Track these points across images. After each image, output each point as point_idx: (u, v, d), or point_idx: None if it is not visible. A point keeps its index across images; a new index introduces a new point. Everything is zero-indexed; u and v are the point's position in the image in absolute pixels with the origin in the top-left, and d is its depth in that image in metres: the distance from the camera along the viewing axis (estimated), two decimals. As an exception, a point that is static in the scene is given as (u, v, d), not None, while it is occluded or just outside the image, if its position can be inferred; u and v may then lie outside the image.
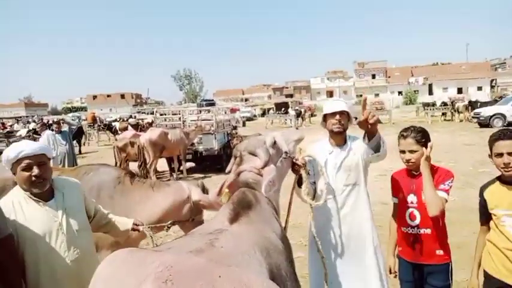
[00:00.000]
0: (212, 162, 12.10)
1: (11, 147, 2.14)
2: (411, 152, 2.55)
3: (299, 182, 2.48)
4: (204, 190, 3.27)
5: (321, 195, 2.52)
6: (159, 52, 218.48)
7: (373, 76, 66.38)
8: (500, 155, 2.27)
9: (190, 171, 11.67)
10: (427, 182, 2.38)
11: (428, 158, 2.44)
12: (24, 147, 2.09)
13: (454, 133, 18.48)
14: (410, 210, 2.61)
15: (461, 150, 12.97)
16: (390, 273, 2.78)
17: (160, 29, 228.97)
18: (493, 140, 2.34)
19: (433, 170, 2.50)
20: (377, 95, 59.37)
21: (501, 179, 2.36)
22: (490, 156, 2.37)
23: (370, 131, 2.46)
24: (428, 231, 2.53)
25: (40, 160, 2.11)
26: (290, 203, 2.48)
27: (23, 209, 2.09)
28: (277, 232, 1.63)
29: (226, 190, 2.08)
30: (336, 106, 2.68)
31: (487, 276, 2.40)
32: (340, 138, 2.74)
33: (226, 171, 2.25)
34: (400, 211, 2.69)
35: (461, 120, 24.78)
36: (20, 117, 41.31)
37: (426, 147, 2.48)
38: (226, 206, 1.68)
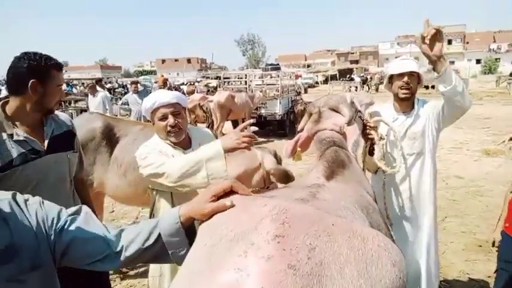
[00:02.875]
0: (275, 127, 12.19)
1: (148, 97, 2.20)
2: None
3: (369, 150, 2.24)
4: (277, 158, 3.25)
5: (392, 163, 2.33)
6: (223, 16, 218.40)
7: (449, 42, 60.88)
8: None
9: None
10: None
11: None
12: (158, 97, 2.12)
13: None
14: None
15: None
16: (493, 246, 2.69)
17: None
18: None
19: None
20: (452, 62, 54.70)
21: None
22: None
23: (434, 57, 2.06)
24: None
25: (175, 109, 2.14)
26: (363, 171, 2.23)
27: (168, 154, 2.13)
28: (370, 193, 1.59)
29: (299, 149, 1.98)
30: (404, 66, 2.40)
31: None
32: (406, 104, 2.49)
33: (299, 129, 2.08)
34: None
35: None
36: (97, 78, 44.13)
37: None
38: (320, 163, 1.61)
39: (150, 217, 2.30)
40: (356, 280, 0.87)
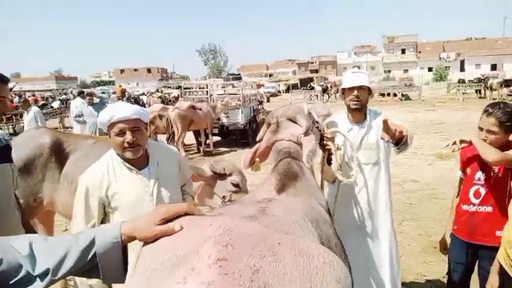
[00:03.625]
0: (238, 137, 12.18)
1: (106, 109, 2.01)
2: (490, 132, 2.28)
3: (327, 160, 2.27)
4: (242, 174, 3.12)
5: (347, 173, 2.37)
6: (184, 26, 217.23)
7: (403, 51, 63.96)
8: (481, 129, 2.30)
9: (216, 145, 11.79)
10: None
11: None
12: (117, 111, 1.93)
13: (487, 111, 17.73)
14: (475, 187, 2.44)
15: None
16: (444, 251, 2.72)
17: (185, 4, 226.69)
18: (483, 111, 2.33)
19: None
20: (406, 70, 57.46)
21: None
22: None
23: (399, 139, 2.22)
24: (490, 209, 2.38)
25: (135, 125, 1.96)
26: (322, 184, 2.32)
27: (117, 177, 2.02)
28: (323, 204, 1.59)
29: (257, 159, 1.98)
30: (354, 80, 2.48)
31: None
32: (359, 114, 2.56)
33: (258, 139, 2.07)
34: (464, 188, 2.52)
35: (494, 99, 23.72)
36: (51, 90, 42.39)
37: (510, 133, 2.25)
38: (272, 176, 1.61)
39: None
40: None
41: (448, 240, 2.67)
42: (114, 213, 2.03)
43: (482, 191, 2.41)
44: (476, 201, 2.43)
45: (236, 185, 2.93)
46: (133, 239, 1.06)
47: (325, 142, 2.17)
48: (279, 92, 42.60)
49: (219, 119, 11.31)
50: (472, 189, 2.45)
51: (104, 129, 2.05)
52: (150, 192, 2.04)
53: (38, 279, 0.94)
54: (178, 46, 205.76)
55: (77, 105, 9.47)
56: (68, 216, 3.43)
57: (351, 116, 2.59)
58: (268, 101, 29.65)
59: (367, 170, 2.55)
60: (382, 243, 2.56)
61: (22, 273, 0.93)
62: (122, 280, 1.04)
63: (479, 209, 2.42)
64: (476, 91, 25.95)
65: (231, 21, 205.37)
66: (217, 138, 12.45)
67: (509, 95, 20.86)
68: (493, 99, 23.44)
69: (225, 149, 11.38)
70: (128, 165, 2.04)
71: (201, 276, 0.83)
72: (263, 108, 14.17)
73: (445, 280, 3.59)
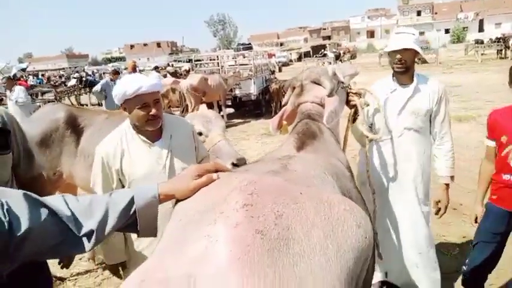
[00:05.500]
0: (251, 108, 12.14)
1: (127, 82, 1.91)
2: None
3: (354, 119, 2.28)
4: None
5: (379, 132, 2.39)
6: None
7: (419, 13, 61.74)
8: None
9: (230, 117, 11.80)
10: None
11: None
12: (142, 82, 1.87)
13: (508, 72, 17.17)
14: None
15: (515, 90, 12.13)
16: (476, 222, 2.57)
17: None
18: None
19: None
20: (422, 33, 55.54)
21: None
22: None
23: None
24: None
25: (156, 97, 1.94)
26: (345, 138, 2.34)
27: (130, 149, 2.01)
28: (342, 161, 1.63)
29: (285, 122, 2.01)
30: (397, 43, 2.41)
31: None
32: (405, 77, 2.50)
33: (283, 103, 2.12)
34: (502, 157, 2.32)
35: (515, 58, 22.88)
36: (64, 68, 42.67)
37: None
38: (291, 136, 1.66)
39: None
40: (323, 241, 0.91)
41: (479, 211, 2.53)
42: (127, 186, 2.04)
43: None
44: None
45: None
46: (170, 197, 1.11)
47: (350, 98, 2.16)
48: (290, 61, 41.93)
49: (231, 90, 11.25)
50: None
51: (119, 101, 1.97)
52: (163, 165, 2.03)
53: (84, 239, 0.97)
54: (187, 18, 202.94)
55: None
56: (86, 189, 3.53)
57: (397, 78, 2.54)
58: (280, 70, 29.29)
59: (407, 135, 2.52)
60: (416, 206, 2.59)
61: (68, 235, 0.95)
62: (155, 234, 1.10)
63: None
64: (497, 51, 24.98)
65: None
66: (230, 110, 12.44)
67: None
68: (514, 59, 22.66)
69: (239, 120, 11.38)
70: (142, 137, 2.03)
71: (229, 218, 0.90)
72: (275, 78, 14.00)
73: (463, 239, 3.62)
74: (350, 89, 2.17)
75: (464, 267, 2.62)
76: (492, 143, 2.39)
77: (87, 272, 3.55)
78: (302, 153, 1.49)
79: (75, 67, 39.23)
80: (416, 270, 2.63)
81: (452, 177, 2.59)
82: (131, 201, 1.04)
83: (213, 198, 1.01)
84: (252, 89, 11.27)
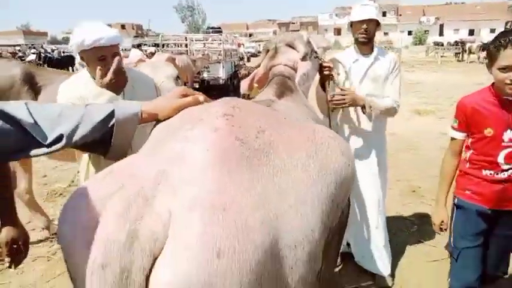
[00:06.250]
0: (219, 92, 12.00)
1: (87, 30, 1.77)
2: None
3: (323, 87, 2.37)
4: None
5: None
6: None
7: (384, 14, 63.46)
8: (504, 69, 1.75)
9: (196, 100, 11.59)
10: None
11: None
12: (103, 35, 1.75)
13: (465, 73, 18.08)
14: (507, 150, 1.90)
15: (474, 88, 12.79)
16: (441, 230, 2.14)
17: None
18: (496, 48, 1.78)
19: None
20: (386, 33, 57.32)
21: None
22: (489, 68, 1.87)
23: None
24: None
25: (115, 51, 1.86)
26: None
27: (93, 98, 1.85)
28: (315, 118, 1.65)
29: (256, 85, 2.00)
30: (363, 13, 2.51)
31: None
32: (366, 47, 2.63)
33: (255, 65, 2.12)
34: (490, 151, 1.94)
35: (471, 62, 24.11)
36: (19, 45, 40.15)
37: None
38: (269, 87, 1.65)
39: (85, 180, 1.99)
40: (305, 159, 0.91)
41: (445, 216, 2.13)
42: None
43: None
44: (508, 166, 1.92)
45: None
46: (152, 117, 1.04)
47: (323, 70, 2.23)
48: (259, 52, 41.78)
49: (199, 73, 11.01)
50: (503, 153, 1.92)
51: (74, 50, 1.84)
52: None
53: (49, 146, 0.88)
54: (153, 0, 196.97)
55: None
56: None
57: (358, 48, 2.66)
58: (248, 60, 29.12)
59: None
60: (377, 172, 2.71)
61: (31, 143, 0.87)
62: (124, 156, 1.01)
63: None
64: (455, 54, 26.27)
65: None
66: (197, 93, 12.21)
67: (485, 58, 21.14)
68: (470, 62, 23.86)
69: (205, 104, 11.21)
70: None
71: (208, 124, 0.87)
72: (244, 64, 13.92)
73: (422, 219, 3.76)
74: (323, 60, 2.24)
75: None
76: (461, 135, 2.05)
77: (40, 241, 3.36)
78: (283, 101, 1.48)
79: (32, 44, 36.99)
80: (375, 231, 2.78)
81: (370, 107, 2.46)
82: (111, 114, 0.96)
83: (197, 112, 0.98)
84: (221, 73, 11.11)
